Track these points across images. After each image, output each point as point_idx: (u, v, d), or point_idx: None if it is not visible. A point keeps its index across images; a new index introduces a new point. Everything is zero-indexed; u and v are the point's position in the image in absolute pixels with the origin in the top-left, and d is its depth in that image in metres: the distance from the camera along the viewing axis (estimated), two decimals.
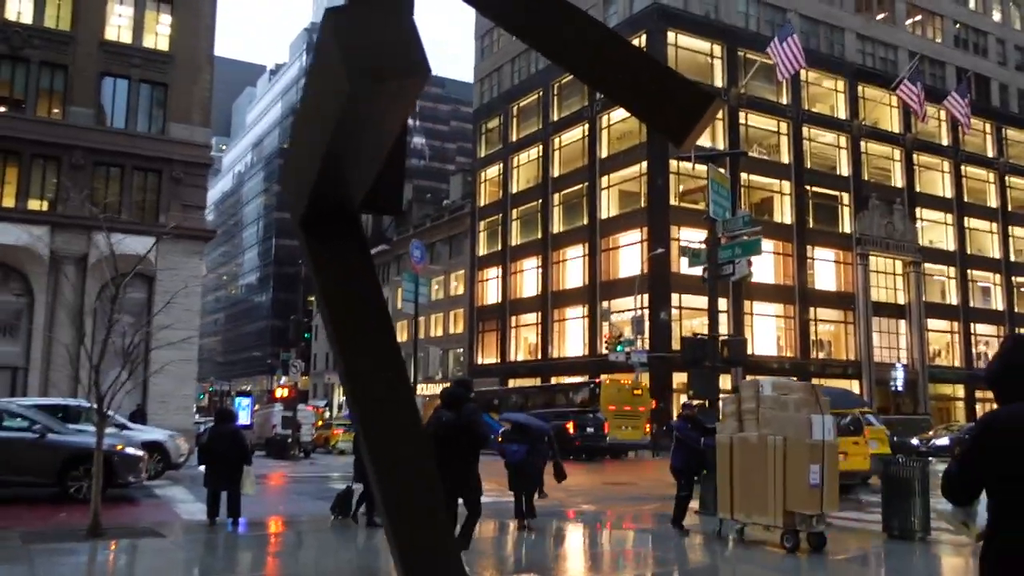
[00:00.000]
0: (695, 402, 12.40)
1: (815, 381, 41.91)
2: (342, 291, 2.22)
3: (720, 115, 43.94)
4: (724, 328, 42.38)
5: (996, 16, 58.13)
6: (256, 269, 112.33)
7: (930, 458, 35.39)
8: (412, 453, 2.16)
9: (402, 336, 66.80)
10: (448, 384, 11.86)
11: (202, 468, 12.27)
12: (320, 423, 36.94)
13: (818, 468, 9.37)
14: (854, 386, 45.52)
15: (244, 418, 35.88)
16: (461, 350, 58.15)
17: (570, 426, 30.03)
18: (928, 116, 50.11)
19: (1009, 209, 55.24)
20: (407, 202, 76.92)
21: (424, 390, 61.53)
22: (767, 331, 44.71)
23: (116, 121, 30.08)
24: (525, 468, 11.39)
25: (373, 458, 2.05)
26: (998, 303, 53.74)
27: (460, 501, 8.40)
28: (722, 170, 16.44)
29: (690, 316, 40.82)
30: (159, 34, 31.24)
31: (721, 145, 43.55)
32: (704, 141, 41.34)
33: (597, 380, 37.16)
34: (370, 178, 2.00)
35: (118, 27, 30.42)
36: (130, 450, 14.37)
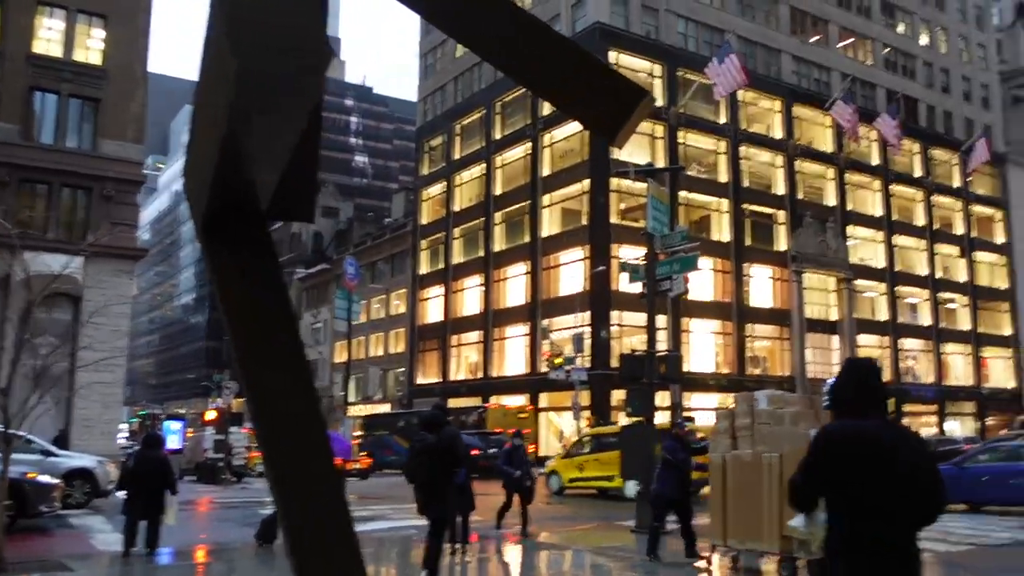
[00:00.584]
0: (688, 420, 12.07)
1: None
2: (246, 300, 1.93)
3: (660, 134, 44.59)
4: (663, 345, 42.75)
5: (923, 40, 60.10)
6: (192, 289, 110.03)
7: None
8: (321, 480, 1.88)
9: (341, 356, 65.91)
10: (405, 408, 11.62)
11: (122, 495, 11.75)
12: (254, 446, 36.07)
13: None
14: None
15: (175, 442, 34.81)
16: (402, 369, 57.56)
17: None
18: (860, 136, 51.52)
19: (935, 227, 56.92)
20: (347, 220, 76.25)
21: (364, 411, 60.72)
22: (705, 347, 45.16)
23: (44, 137, 29.09)
24: (465, 490, 11.23)
25: (278, 487, 1.79)
26: (925, 319, 55.22)
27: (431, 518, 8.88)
28: (663, 188, 16.46)
29: (630, 333, 40.98)
30: (91, 48, 30.36)
31: (661, 163, 43.96)
32: (644, 158, 41.78)
33: (485, 404, 40.60)
34: (275, 175, 1.77)
35: (48, 40, 29.48)
36: (43, 478, 13.69)
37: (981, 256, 59.76)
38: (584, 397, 37.72)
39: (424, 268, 56.42)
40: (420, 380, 55.21)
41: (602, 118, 1.68)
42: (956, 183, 59.08)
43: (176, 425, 35.40)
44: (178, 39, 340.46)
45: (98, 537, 13.33)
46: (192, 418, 48.55)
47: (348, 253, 66.73)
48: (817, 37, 53.64)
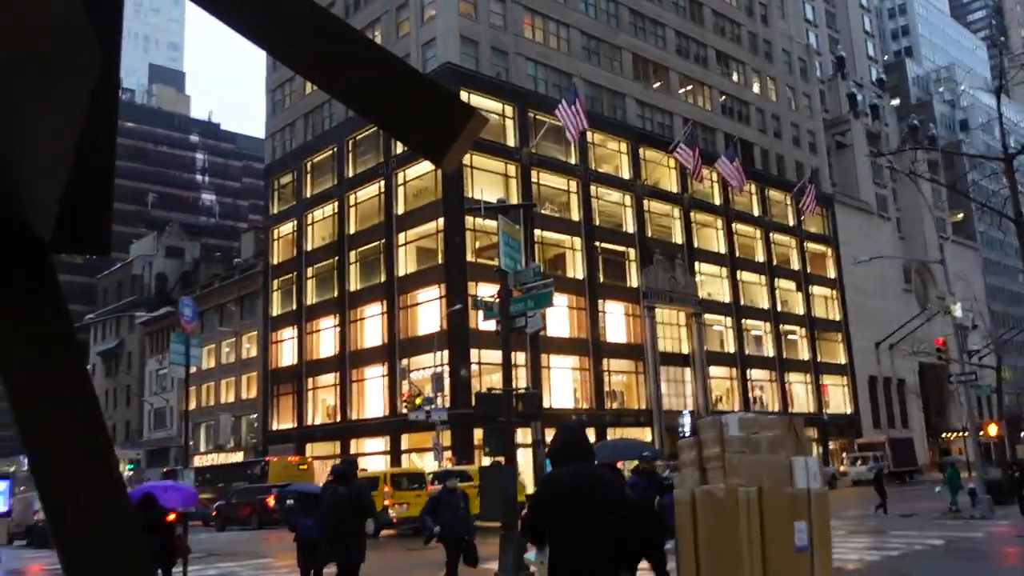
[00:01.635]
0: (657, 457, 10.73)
1: (611, 431, 43.37)
2: (25, 348, 1.52)
3: (513, 173, 45.17)
4: (523, 382, 42.92)
5: (756, 88, 64.00)
6: None
7: None
8: (120, 549, 1.50)
9: (191, 403, 62.60)
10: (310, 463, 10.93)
11: None
12: None
13: (804, 526, 7.43)
14: (646, 434, 47.35)
15: (0, 505, 31.78)
16: (255, 415, 55.21)
17: (270, 500, 32.73)
18: (702, 177, 54.04)
19: (774, 263, 60.28)
20: (194, 261, 73.03)
21: (217, 459, 57.79)
22: (563, 383, 45.69)
23: None
24: (317, 543, 10.60)
25: (66, 558, 1.41)
26: (769, 350, 58.15)
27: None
28: (515, 225, 16.48)
29: (490, 371, 40.89)
30: None
31: (515, 201, 44.58)
32: (497, 197, 42.17)
33: (267, 459, 43.91)
34: (50, 197, 1.41)
35: None
36: None
37: (816, 290, 63.71)
38: (446, 437, 37.25)
39: (276, 310, 54.59)
40: (275, 426, 53.08)
41: (427, 140, 1.50)
42: (791, 222, 62.89)
43: (2, 485, 32.30)
44: None
45: None
46: (24, 478, 44.65)
47: (193, 295, 63.87)
48: (659, 83, 56.12)
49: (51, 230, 1.63)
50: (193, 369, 58.26)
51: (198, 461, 59.90)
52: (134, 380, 69.91)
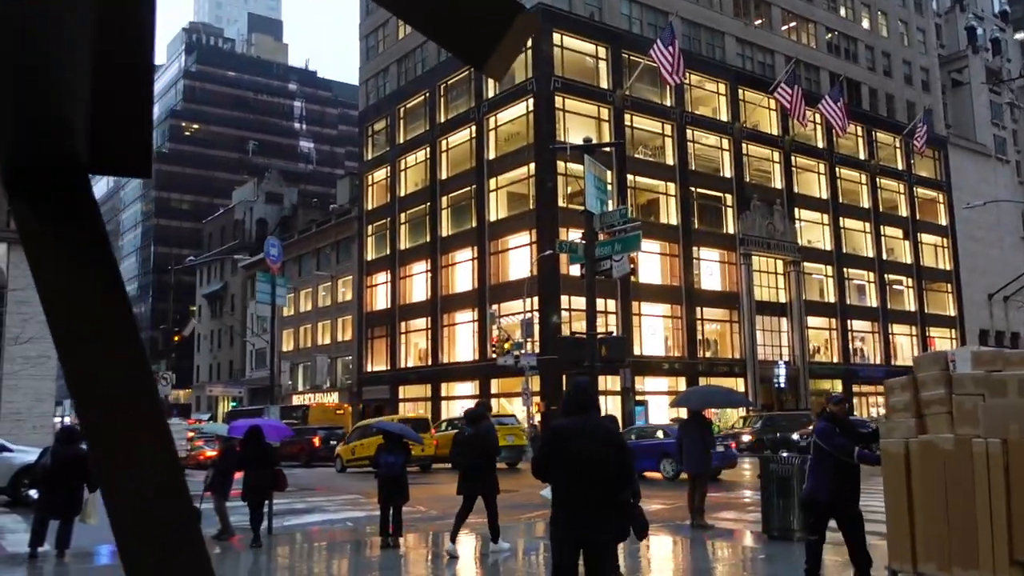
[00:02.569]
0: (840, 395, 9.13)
1: (703, 380, 42.62)
2: (63, 270, 1.41)
3: (606, 116, 44.16)
4: (613, 329, 42.51)
5: (865, 24, 60.61)
6: (135, 278, 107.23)
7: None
8: (166, 499, 1.35)
9: (288, 345, 64.67)
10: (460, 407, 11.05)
11: (34, 493, 11.05)
12: (191, 436, 34.94)
13: None
14: (739, 383, 46.42)
15: None
16: (350, 358, 56.58)
17: (316, 440, 35.79)
18: (805, 119, 51.77)
19: (880, 210, 57.59)
20: (292, 207, 74.73)
21: (312, 399, 59.69)
22: (655, 331, 45.04)
23: None
24: (399, 481, 10.77)
25: (113, 511, 1.28)
26: (872, 300, 55.90)
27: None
28: (602, 166, 15.94)
29: (581, 318, 40.33)
30: None
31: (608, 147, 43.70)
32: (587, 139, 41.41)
33: (308, 404, 48.19)
34: (78, 115, 1.28)
35: None
36: None
37: (925, 238, 60.70)
38: (535, 383, 37.28)
39: (370, 255, 55.43)
40: (369, 368, 54.32)
41: (468, 42, 1.26)
42: (899, 166, 59.85)
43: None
44: None
45: (8, 537, 12.49)
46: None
47: (292, 240, 65.48)
48: (760, 20, 53.68)
49: (88, 151, 1.50)
50: (289, 312, 60.17)
51: (296, 400, 62.07)
52: (237, 321, 72.53)
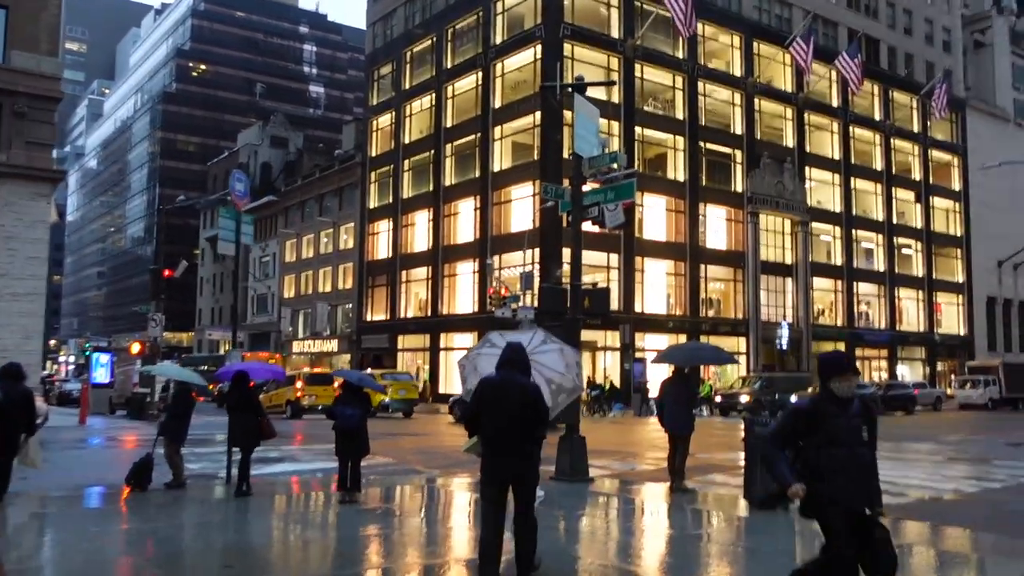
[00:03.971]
0: None
1: (704, 339, 42.05)
2: None
3: (616, 67, 43.02)
4: (615, 284, 41.90)
5: None
6: (141, 219, 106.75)
7: None
8: None
9: (289, 291, 64.32)
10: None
11: None
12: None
13: None
14: (740, 343, 45.91)
15: (103, 376, 33.40)
16: (350, 306, 56.23)
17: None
18: (819, 76, 50.46)
19: (893, 172, 56.45)
20: (296, 151, 73.79)
21: (312, 347, 59.50)
22: (658, 288, 44.45)
23: None
24: (358, 434, 10.16)
25: None
26: (880, 264, 55.07)
27: None
28: (598, 113, 15.19)
29: (584, 272, 39.79)
30: None
31: (616, 98, 42.67)
32: (599, 93, 40.35)
33: (243, 354, 45.29)
34: None
35: None
36: None
37: (937, 202, 59.61)
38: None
39: (373, 202, 54.71)
40: (369, 316, 53.98)
41: None
42: (915, 127, 58.53)
43: (104, 358, 33.91)
44: None
45: None
46: (124, 354, 47.26)
47: (296, 186, 64.70)
48: None
49: None
50: (291, 257, 59.51)
51: (296, 347, 61.92)
52: (239, 265, 72.11)
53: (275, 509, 10.40)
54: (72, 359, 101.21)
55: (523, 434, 5.97)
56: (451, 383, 41.33)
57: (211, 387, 34.78)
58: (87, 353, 60.97)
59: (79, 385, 37.72)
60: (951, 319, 59.68)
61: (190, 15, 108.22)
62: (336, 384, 31.74)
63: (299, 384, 31.80)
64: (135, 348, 29.98)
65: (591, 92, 35.82)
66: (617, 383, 39.73)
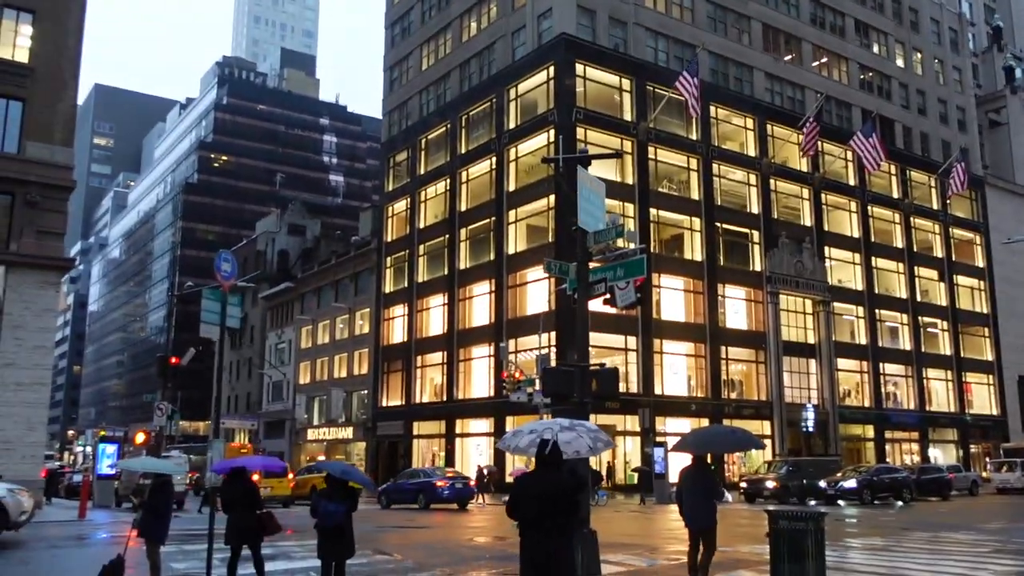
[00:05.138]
0: None
1: (727, 422, 40.77)
2: None
3: (629, 149, 43.04)
4: (633, 367, 40.97)
5: (899, 61, 59.24)
6: (162, 307, 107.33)
7: (839, 501, 33.77)
8: None
9: (304, 377, 63.68)
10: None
11: None
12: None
13: None
14: (765, 426, 44.53)
15: (105, 467, 32.59)
16: (365, 392, 55.42)
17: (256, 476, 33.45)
18: (834, 156, 50.34)
19: (915, 250, 55.72)
20: (314, 238, 74.21)
21: (327, 435, 58.51)
22: (677, 370, 43.45)
23: None
24: (343, 532, 9.10)
25: None
26: (906, 343, 53.81)
27: None
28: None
29: (602, 355, 39.10)
30: (18, 46, 28.51)
31: (630, 180, 42.59)
32: (613, 175, 40.27)
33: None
34: None
35: None
36: None
37: (961, 280, 58.61)
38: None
39: (389, 287, 54.50)
40: (384, 402, 53.09)
41: None
42: (934, 205, 58.04)
43: (111, 448, 33.16)
44: (153, 58, 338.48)
45: None
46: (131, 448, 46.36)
47: (312, 272, 64.76)
48: (790, 55, 52.54)
49: None
50: (306, 344, 58.78)
51: (311, 435, 60.94)
52: (256, 353, 71.80)
53: None
54: (88, 449, 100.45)
55: (557, 535, 6.36)
56: (467, 469, 40.12)
57: (191, 475, 33.95)
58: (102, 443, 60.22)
59: None
60: (982, 399, 57.94)
61: (213, 109, 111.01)
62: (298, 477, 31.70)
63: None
64: (139, 438, 29.24)
65: (604, 173, 35.74)
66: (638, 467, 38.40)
